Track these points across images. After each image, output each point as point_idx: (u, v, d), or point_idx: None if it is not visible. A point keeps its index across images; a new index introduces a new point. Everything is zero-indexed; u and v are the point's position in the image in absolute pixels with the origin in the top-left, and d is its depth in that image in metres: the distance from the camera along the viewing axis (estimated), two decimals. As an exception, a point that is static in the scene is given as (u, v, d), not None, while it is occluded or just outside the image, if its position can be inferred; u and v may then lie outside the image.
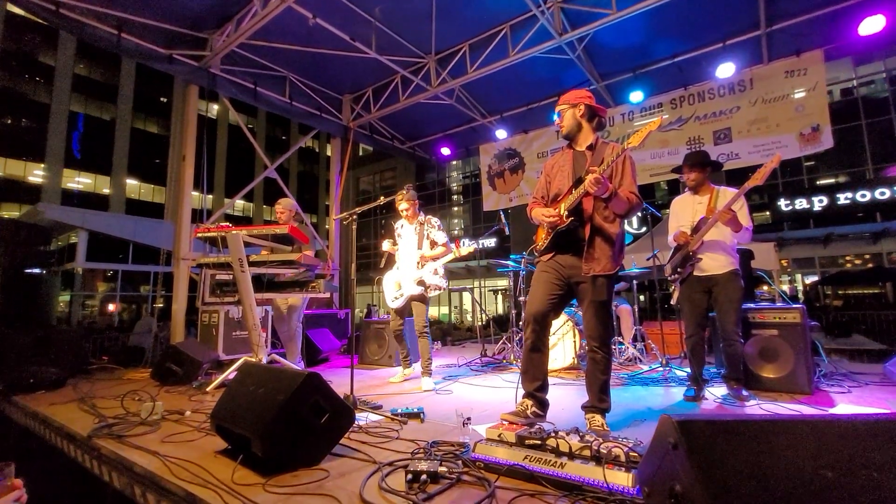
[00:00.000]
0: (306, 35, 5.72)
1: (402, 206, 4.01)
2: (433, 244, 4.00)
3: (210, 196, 29.40)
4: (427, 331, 3.97)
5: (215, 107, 31.70)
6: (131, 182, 28.92)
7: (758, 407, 2.85)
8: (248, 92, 6.50)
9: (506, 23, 5.88)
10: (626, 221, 2.54)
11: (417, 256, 3.94)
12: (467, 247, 3.89)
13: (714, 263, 3.08)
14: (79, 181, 26.92)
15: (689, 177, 3.25)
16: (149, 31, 5.41)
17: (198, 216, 6.24)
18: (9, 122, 24.90)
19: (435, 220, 4.09)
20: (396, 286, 4.07)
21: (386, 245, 4.19)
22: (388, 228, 4.43)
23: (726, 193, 3.10)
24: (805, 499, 0.88)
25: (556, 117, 2.64)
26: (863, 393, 3.25)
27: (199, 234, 3.67)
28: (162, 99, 30.66)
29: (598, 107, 2.55)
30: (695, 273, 3.14)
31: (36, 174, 25.60)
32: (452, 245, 3.98)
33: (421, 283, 3.90)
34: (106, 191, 27.83)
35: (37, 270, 5.45)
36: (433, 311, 5.45)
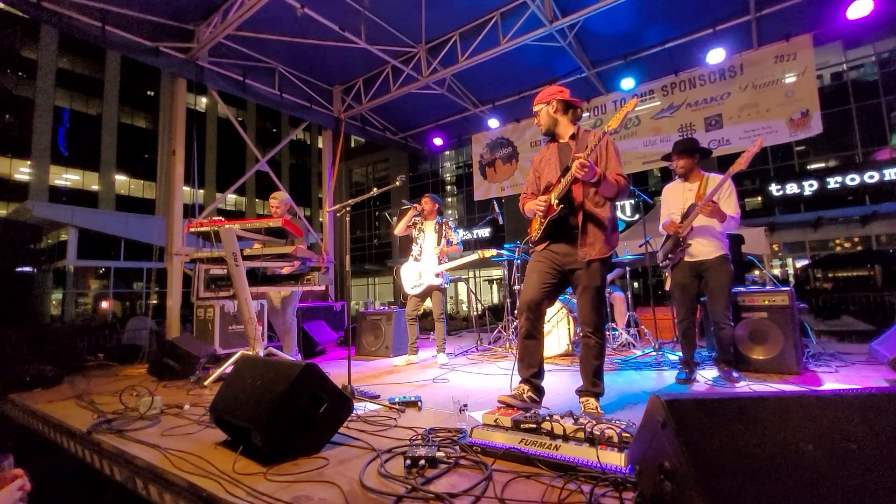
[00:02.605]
0: (295, 25, 5.65)
1: (428, 206, 4.74)
2: (448, 243, 4.65)
3: (201, 191, 29.12)
4: (444, 316, 4.67)
5: (203, 100, 31.26)
6: (120, 178, 28.55)
7: (747, 388, 2.92)
8: (237, 84, 6.42)
9: (496, 10, 5.84)
10: (617, 206, 2.58)
11: (438, 252, 4.59)
12: (490, 251, 4.67)
13: (704, 249, 3.13)
14: (66, 178, 26.54)
15: (678, 164, 3.29)
16: (134, 23, 5.31)
17: (189, 211, 6.20)
18: (-8, 118, 24.45)
19: (451, 223, 4.80)
20: (417, 276, 4.64)
21: (416, 250, 4.70)
22: (404, 212, 5.00)
23: (716, 180, 3.14)
24: (787, 470, 0.92)
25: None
26: (849, 372, 3.33)
27: (192, 230, 3.65)
28: (149, 93, 30.18)
29: (571, 99, 2.60)
30: (685, 258, 3.20)
31: (22, 171, 25.19)
32: (460, 246, 4.70)
33: (439, 275, 4.55)
34: (95, 187, 27.48)
35: (28, 269, 5.40)
36: (427, 302, 5.74)
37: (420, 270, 4.63)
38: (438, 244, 4.61)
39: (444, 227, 4.67)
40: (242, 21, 5.10)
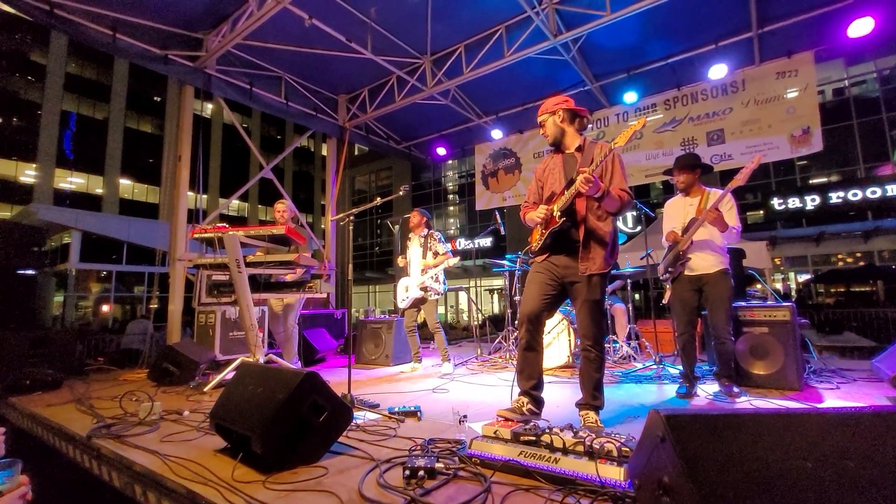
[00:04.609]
0: (302, 35, 5.73)
1: (414, 220, 4.80)
2: (435, 255, 4.65)
3: (205, 196, 29.25)
4: (439, 326, 4.67)
5: (209, 106, 31.50)
6: (124, 182, 28.71)
7: (748, 403, 2.90)
8: (244, 92, 6.49)
9: (501, 24, 5.92)
10: (618, 219, 2.58)
11: (422, 265, 4.62)
12: (454, 259, 4.60)
13: (704, 263, 3.14)
14: (71, 181, 26.69)
15: (678, 179, 3.31)
16: (144, 31, 5.39)
17: (193, 216, 6.24)
18: None
19: (437, 234, 4.78)
20: (405, 290, 4.73)
21: (400, 261, 4.91)
22: (402, 238, 5.09)
23: (716, 195, 3.16)
24: (785, 487, 0.92)
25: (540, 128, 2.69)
26: (851, 388, 3.32)
27: (196, 235, 3.68)
28: (155, 98, 30.45)
29: (577, 108, 2.59)
30: (685, 272, 3.20)
31: (28, 174, 25.36)
32: (450, 253, 4.68)
33: (423, 287, 4.56)
34: (99, 191, 27.62)
35: (30, 271, 5.42)
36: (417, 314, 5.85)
37: (407, 284, 4.73)
38: (424, 257, 4.68)
39: (429, 240, 4.74)
40: (251, 31, 5.19)
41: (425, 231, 4.80)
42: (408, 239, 4.93)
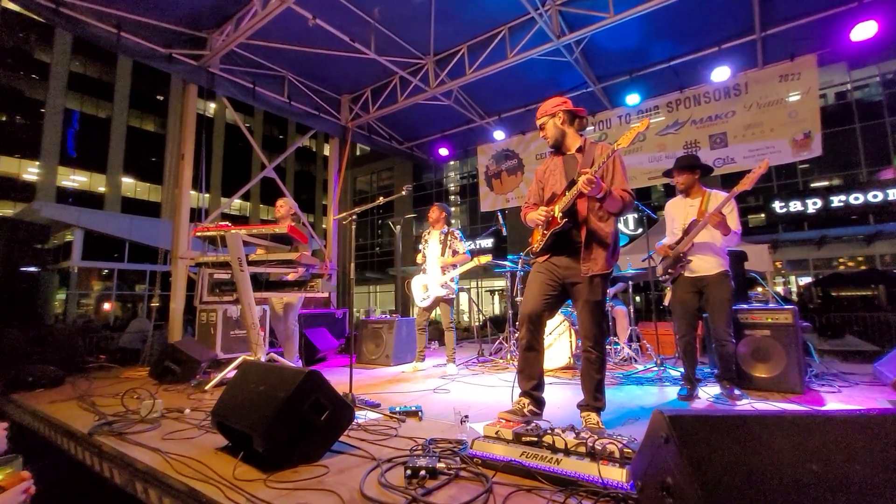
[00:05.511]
0: (306, 35, 5.74)
1: (433, 215, 4.73)
2: (454, 253, 4.61)
3: (206, 195, 29.25)
4: (453, 326, 4.62)
5: (212, 105, 31.60)
6: (127, 180, 28.78)
7: (749, 406, 2.90)
8: (247, 91, 6.51)
9: (504, 25, 5.92)
10: (619, 221, 2.58)
11: (441, 263, 4.56)
12: (486, 256, 4.63)
13: (704, 265, 3.13)
14: (74, 179, 26.77)
15: (678, 180, 3.31)
16: (148, 30, 5.41)
17: (195, 215, 6.25)
18: (3, 119, 24.75)
19: (458, 232, 4.74)
20: (424, 288, 4.66)
21: (420, 258, 4.82)
22: (403, 238, 4.98)
23: (718, 197, 3.17)
24: (792, 489, 0.92)
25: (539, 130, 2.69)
26: (853, 392, 3.31)
27: (199, 234, 3.69)
28: (158, 97, 30.53)
29: (576, 109, 2.60)
30: (685, 274, 3.20)
31: (30, 172, 25.44)
32: (469, 254, 4.65)
33: (445, 285, 4.53)
34: (101, 189, 27.70)
35: (33, 269, 5.43)
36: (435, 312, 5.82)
37: (426, 283, 4.64)
38: (443, 254, 4.60)
39: (448, 237, 4.65)
40: (255, 30, 5.20)
41: (445, 228, 4.73)
42: (427, 233, 4.84)
